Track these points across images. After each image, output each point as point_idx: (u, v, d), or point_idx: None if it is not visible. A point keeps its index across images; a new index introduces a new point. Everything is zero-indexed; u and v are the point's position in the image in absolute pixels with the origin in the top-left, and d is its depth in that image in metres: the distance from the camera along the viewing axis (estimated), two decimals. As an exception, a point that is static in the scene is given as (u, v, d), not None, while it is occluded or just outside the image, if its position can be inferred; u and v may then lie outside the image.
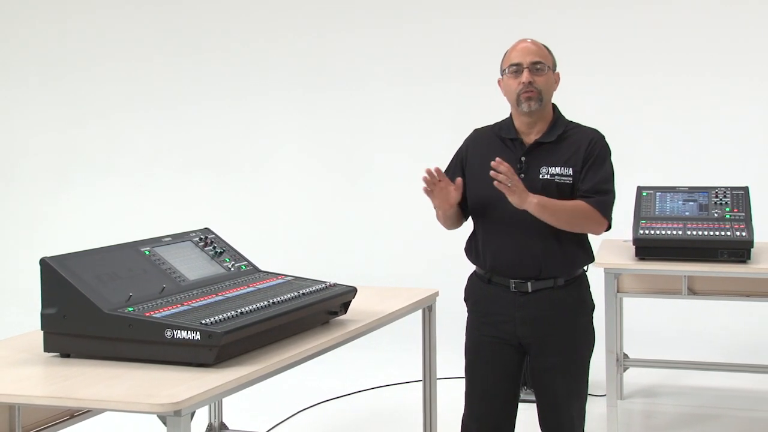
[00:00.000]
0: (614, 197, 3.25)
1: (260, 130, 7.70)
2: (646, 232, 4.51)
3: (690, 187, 4.81)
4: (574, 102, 6.88)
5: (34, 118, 8.24)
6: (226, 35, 7.74)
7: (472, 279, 3.40)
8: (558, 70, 3.33)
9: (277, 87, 7.65)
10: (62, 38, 8.12)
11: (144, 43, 7.93)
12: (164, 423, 2.27)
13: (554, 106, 3.34)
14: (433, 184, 3.17)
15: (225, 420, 4.21)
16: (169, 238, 3.19)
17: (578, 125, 3.34)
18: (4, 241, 8.10)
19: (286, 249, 7.36)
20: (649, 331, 6.24)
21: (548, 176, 3.19)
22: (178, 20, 7.86)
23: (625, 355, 5.43)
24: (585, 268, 3.35)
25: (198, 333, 2.53)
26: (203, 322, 2.57)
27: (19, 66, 8.26)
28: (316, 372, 5.72)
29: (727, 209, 4.60)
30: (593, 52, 6.85)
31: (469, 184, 3.31)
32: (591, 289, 3.38)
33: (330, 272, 6.08)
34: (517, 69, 3.22)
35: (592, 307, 3.38)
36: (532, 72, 3.20)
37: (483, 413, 3.33)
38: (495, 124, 3.40)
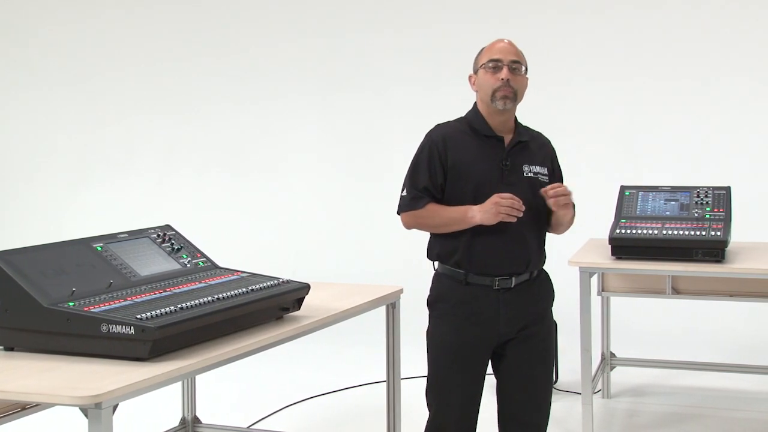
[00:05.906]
0: None
1: (275, 132, 7.73)
2: (623, 231, 4.50)
3: (672, 187, 4.79)
4: (566, 104, 6.92)
5: (56, 118, 8.38)
6: (242, 38, 7.78)
7: (443, 282, 3.30)
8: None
9: (292, 89, 7.66)
10: (83, 43, 8.24)
11: (161, 47, 8.01)
12: (86, 416, 2.31)
13: None
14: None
15: (199, 414, 4.26)
16: (125, 235, 3.23)
17: (526, 126, 3.40)
18: (28, 234, 8.22)
19: (297, 249, 7.41)
20: (638, 330, 6.21)
21: (531, 174, 3.27)
22: (194, 24, 7.92)
23: (612, 354, 5.42)
24: None
25: (132, 328, 2.57)
26: (138, 317, 2.60)
27: (43, 69, 8.39)
28: (306, 370, 5.80)
29: (708, 209, 4.57)
30: (584, 55, 6.81)
31: (455, 183, 3.23)
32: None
33: (339, 272, 6.10)
34: (496, 65, 3.20)
35: (554, 297, 3.46)
36: (511, 71, 3.20)
37: (458, 419, 3.28)
38: (459, 119, 3.36)
